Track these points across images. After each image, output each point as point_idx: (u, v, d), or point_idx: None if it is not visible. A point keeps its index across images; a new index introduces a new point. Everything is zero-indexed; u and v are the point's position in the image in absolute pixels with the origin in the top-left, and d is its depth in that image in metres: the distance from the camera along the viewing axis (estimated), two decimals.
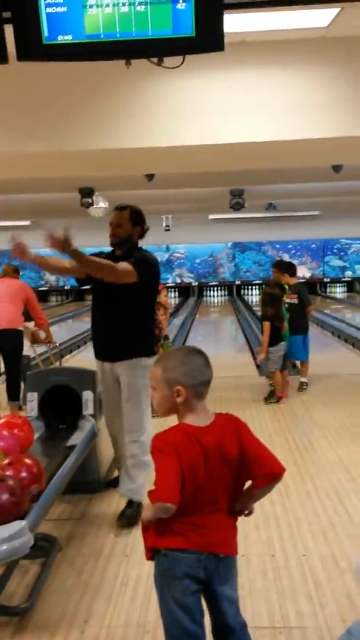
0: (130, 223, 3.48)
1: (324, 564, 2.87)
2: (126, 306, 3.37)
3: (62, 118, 4.49)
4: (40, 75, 4.23)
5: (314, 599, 2.58)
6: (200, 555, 1.74)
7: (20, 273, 6.07)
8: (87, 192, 9.01)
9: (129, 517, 3.31)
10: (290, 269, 6.70)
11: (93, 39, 2.41)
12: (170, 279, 20.71)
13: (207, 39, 2.45)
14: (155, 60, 2.62)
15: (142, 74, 4.03)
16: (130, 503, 3.41)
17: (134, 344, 3.38)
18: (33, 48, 2.36)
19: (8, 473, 2.51)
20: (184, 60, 2.67)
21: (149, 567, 1.86)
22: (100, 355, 3.54)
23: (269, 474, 1.78)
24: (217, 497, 1.78)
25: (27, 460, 2.67)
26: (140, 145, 4.55)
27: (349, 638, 1.37)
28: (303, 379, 6.57)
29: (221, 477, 1.77)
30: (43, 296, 20.99)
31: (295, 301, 6.38)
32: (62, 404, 3.80)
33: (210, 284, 21.15)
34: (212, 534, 1.77)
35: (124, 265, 3.27)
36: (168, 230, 14.15)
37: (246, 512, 1.89)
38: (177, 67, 2.67)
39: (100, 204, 9.71)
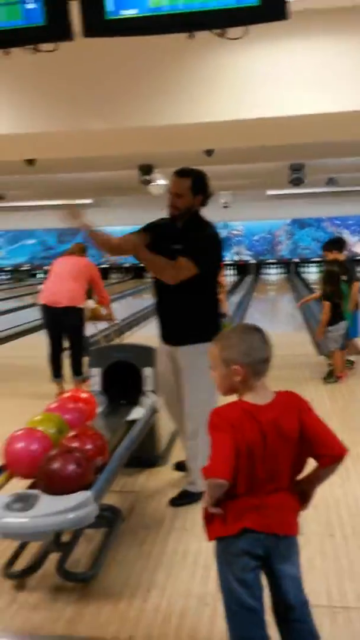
0: (191, 193, 3.21)
1: None
2: (186, 293, 3.22)
3: (122, 95, 4.48)
4: (99, 52, 4.22)
5: None
6: (260, 535, 1.75)
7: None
8: (146, 170, 9.02)
9: (177, 504, 3.31)
10: (335, 244, 6.46)
11: (156, 12, 2.38)
12: (227, 256, 20.57)
13: (271, 7, 2.38)
14: (218, 31, 2.57)
15: (203, 47, 3.96)
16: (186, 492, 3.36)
17: (195, 330, 3.24)
18: (97, 24, 2.36)
19: (74, 445, 2.58)
20: (247, 30, 2.61)
21: (208, 542, 1.89)
22: (161, 337, 3.48)
23: (329, 454, 1.76)
24: (277, 475, 1.77)
25: (92, 433, 2.74)
26: (200, 120, 4.49)
27: None
28: (351, 357, 6.39)
29: (280, 456, 1.76)
30: (104, 273, 21.24)
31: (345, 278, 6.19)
32: (123, 380, 3.87)
33: (268, 261, 20.88)
34: (273, 514, 1.76)
35: (180, 263, 3.10)
36: (226, 207, 14.03)
37: (304, 504, 1.86)
38: (240, 38, 2.61)
39: (159, 181, 9.71)
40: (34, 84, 4.48)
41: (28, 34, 2.41)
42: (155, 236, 3.33)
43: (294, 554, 1.83)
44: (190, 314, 3.28)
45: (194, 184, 3.22)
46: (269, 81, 4.30)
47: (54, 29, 2.37)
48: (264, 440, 1.73)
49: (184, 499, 3.31)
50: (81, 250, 6.01)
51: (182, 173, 3.25)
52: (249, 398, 1.79)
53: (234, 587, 1.77)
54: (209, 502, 1.76)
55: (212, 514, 1.79)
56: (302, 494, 1.85)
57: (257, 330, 1.83)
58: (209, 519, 1.82)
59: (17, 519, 2.27)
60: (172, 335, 3.38)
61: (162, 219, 3.44)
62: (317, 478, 1.84)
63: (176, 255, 3.17)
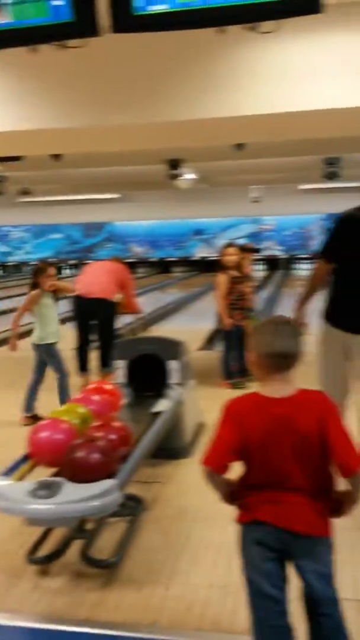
0: None
1: None
2: None
3: (150, 89, 4.48)
4: (126, 47, 4.22)
5: None
6: (273, 528, 1.76)
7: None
8: (174, 164, 9.03)
9: None
10: None
11: (186, 6, 2.39)
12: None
13: (304, 1, 2.37)
14: (249, 25, 2.57)
15: (233, 41, 3.94)
16: None
17: None
18: (124, 19, 2.38)
19: (98, 434, 2.63)
20: (279, 25, 2.60)
21: (232, 532, 1.92)
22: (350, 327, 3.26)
23: (344, 466, 1.74)
24: (290, 472, 1.76)
25: (116, 424, 2.79)
26: (230, 114, 4.47)
27: None
28: None
29: (293, 452, 1.75)
30: (131, 267, 21.39)
31: None
32: (149, 372, 3.91)
33: (299, 256, 20.68)
34: (288, 510, 1.76)
35: None
36: (257, 201, 13.94)
37: (338, 513, 1.84)
38: (272, 32, 2.61)
39: (187, 176, 9.71)
40: (61, 81, 4.51)
41: (56, 30, 2.44)
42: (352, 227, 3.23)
43: (321, 553, 1.82)
44: None
45: None
46: (302, 75, 4.25)
47: (81, 25, 2.40)
48: (274, 433, 1.74)
49: None
50: (117, 260, 6.31)
51: None
52: (265, 390, 1.80)
53: (252, 574, 1.81)
54: (215, 491, 1.82)
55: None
56: (338, 501, 1.84)
57: (280, 323, 1.83)
58: (231, 503, 1.88)
59: (43, 506, 2.32)
60: None
61: (353, 210, 3.33)
62: (349, 491, 1.81)
63: None
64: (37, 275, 4.81)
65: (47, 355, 4.76)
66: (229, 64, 4.32)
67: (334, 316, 3.30)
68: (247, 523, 1.82)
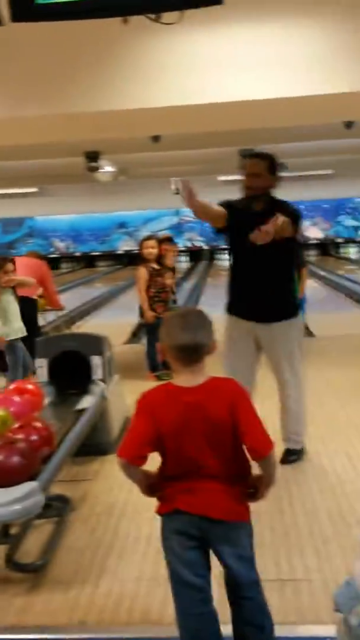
0: (269, 173, 3.30)
1: (332, 520, 2.92)
2: (277, 266, 3.32)
3: (62, 80, 4.40)
4: (37, 37, 4.12)
5: (322, 554, 2.63)
6: (191, 517, 1.79)
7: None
8: (92, 157, 8.90)
9: (291, 461, 3.50)
10: None
11: None
12: (180, 243, 20.58)
13: None
14: (152, 16, 2.56)
15: (143, 32, 3.91)
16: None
17: (287, 305, 3.41)
18: (26, 8, 2.31)
19: (19, 436, 2.57)
20: (182, 15, 2.60)
21: (159, 524, 1.91)
22: (247, 315, 3.43)
23: (253, 449, 1.79)
24: (204, 460, 1.79)
25: (37, 424, 2.73)
26: (143, 106, 4.46)
27: (348, 588, 1.41)
28: None
29: (208, 441, 1.77)
30: (54, 263, 21.02)
31: None
32: (72, 369, 3.85)
33: (221, 246, 20.98)
34: (203, 498, 1.79)
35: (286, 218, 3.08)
36: (177, 193, 13.99)
37: (256, 495, 1.89)
38: (175, 23, 2.61)
39: (107, 168, 9.61)
40: None
41: None
42: (235, 217, 3.32)
43: (240, 537, 1.85)
44: (282, 288, 3.41)
45: (271, 165, 3.33)
46: (212, 67, 4.30)
47: None
48: (186, 423, 1.76)
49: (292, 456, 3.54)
50: (36, 255, 6.16)
51: (258, 155, 3.42)
52: (177, 380, 1.83)
53: (174, 564, 1.83)
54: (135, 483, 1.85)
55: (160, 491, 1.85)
56: (254, 486, 1.88)
57: (188, 315, 1.85)
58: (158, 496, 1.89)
59: None
60: (265, 311, 3.37)
61: (234, 200, 3.42)
62: (261, 476, 1.87)
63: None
64: None
65: (8, 351, 4.67)
66: (138, 55, 4.30)
67: (238, 307, 3.44)
68: (167, 514, 1.84)
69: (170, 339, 1.80)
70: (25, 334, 4.79)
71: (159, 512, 1.87)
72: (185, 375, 1.81)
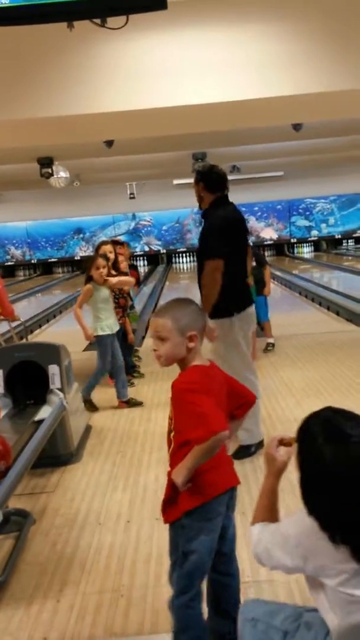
0: (207, 190, 3.74)
1: None
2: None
3: (11, 85, 4.33)
4: None
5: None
6: (226, 493, 1.87)
7: None
8: (46, 162, 8.79)
9: (241, 456, 3.59)
10: None
11: (31, 1, 2.31)
12: (138, 247, 20.55)
13: None
14: (98, 21, 2.54)
15: (92, 37, 3.90)
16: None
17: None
18: None
19: None
20: (127, 20, 2.59)
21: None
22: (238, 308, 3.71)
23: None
24: None
25: None
26: (93, 111, 4.41)
27: (254, 626, 1.45)
28: (269, 340, 6.62)
29: (227, 410, 1.89)
30: (10, 271, 20.68)
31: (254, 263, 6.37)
32: (29, 380, 3.78)
33: (179, 250, 21.05)
34: (229, 469, 1.92)
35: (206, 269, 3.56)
36: (133, 198, 13.96)
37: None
38: (121, 27, 2.59)
39: (61, 174, 9.50)
40: None
41: None
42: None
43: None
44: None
45: (204, 183, 3.77)
46: (160, 71, 4.29)
47: None
48: (220, 394, 1.86)
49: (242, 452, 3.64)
50: None
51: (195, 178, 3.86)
52: (198, 361, 1.87)
53: (205, 555, 1.85)
54: (192, 471, 1.76)
55: (175, 492, 1.82)
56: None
57: (192, 301, 1.96)
58: (173, 499, 1.84)
59: None
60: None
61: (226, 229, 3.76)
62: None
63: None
64: None
65: None
66: (88, 60, 4.27)
67: (228, 307, 3.65)
68: (220, 494, 1.85)
69: (200, 319, 1.89)
70: None
71: (196, 503, 1.80)
72: (200, 354, 1.89)
